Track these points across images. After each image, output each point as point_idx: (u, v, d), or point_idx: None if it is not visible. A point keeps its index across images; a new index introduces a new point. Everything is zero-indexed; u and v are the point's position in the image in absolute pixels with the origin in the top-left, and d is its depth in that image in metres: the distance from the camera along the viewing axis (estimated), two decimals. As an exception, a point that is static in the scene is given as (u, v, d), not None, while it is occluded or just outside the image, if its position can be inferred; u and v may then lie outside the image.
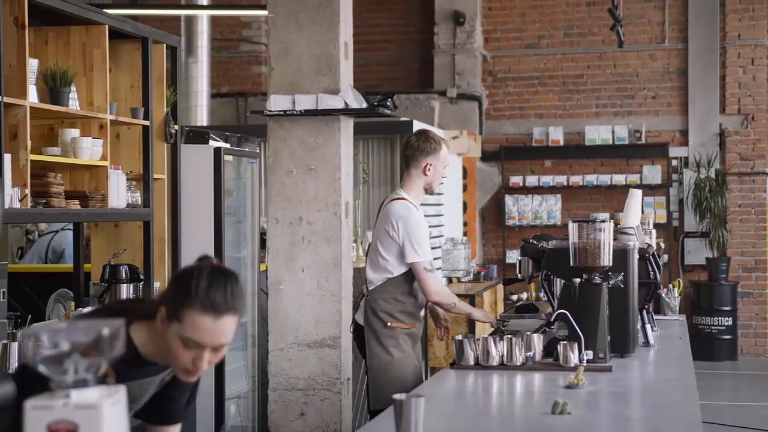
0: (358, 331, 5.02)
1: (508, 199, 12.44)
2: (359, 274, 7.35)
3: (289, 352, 5.49)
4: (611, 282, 4.38)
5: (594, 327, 4.20)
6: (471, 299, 8.91)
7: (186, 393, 2.75)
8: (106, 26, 5.03)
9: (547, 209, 12.36)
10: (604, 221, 4.36)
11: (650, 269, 4.92)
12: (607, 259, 4.29)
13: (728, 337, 11.78)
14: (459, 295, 8.66)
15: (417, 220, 4.85)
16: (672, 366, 4.38)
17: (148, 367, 2.56)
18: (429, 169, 4.91)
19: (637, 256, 4.61)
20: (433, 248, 8.40)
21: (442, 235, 9.94)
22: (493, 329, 5.14)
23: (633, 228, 5.05)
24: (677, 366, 4.34)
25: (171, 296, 2.45)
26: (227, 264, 6.12)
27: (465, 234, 11.59)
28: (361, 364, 7.37)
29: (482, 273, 10.27)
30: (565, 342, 4.11)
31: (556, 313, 4.28)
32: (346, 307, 5.55)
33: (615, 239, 4.99)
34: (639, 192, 5.60)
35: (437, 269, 9.36)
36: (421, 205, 5.20)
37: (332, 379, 5.51)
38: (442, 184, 5.14)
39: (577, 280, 4.29)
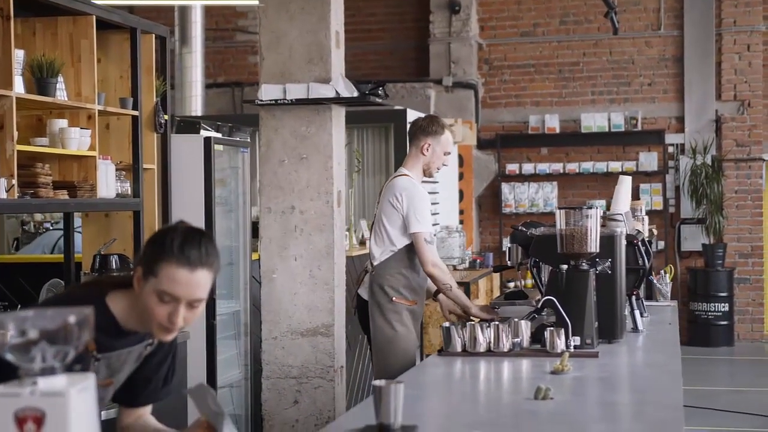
0: (362, 307, 5.13)
1: (505, 187, 12.44)
2: (353, 263, 7.38)
3: (282, 340, 5.50)
4: (598, 268, 4.39)
5: (581, 313, 4.21)
6: (466, 287, 8.91)
7: (161, 374, 2.78)
8: (94, 17, 5.03)
9: (544, 197, 12.37)
10: (590, 208, 4.36)
11: (639, 255, 4.93)
12: (594, 246, 4.30)
13: (725, 322, 11.80)
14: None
15: (420, 193, 4.99)
16: (659, 351, 4.39)
17: (127, 337, 2.59)
18: (427, 149, 5.08)
19: (624, 242, 4.61)
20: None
21: (438, 223, 9.94)
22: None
23: (622, 214, 5.06)
24: (664, 351, 4.35)
25: (147, 255, 2.50)
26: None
27: (461, 222, 11.60)
28: (355, 352, 7.40)
29: (478, 261, 10.28)
30: (551, 328, 4.12)
31: (543, 299, 4.29)
32: (339, 295, 5.56)
33: (604, 226, 5.00)
34: (628, 179, 5.61)
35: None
36: None
37: (325, 367, 5.52)
38: (439, 170, 5.21)
39: (564, 266, 4.30)
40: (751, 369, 10.84)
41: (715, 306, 11.77)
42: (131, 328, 2.57)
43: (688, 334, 11.92)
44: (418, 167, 5.11)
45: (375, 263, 5.06)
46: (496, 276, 10.58)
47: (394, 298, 4.99)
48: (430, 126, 5.10)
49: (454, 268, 9.94)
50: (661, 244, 12.04)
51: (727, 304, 11.79)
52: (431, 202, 9.48)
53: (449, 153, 5.16)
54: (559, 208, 4.38)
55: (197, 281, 2.45)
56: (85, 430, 1.77)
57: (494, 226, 12.60)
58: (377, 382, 2.69)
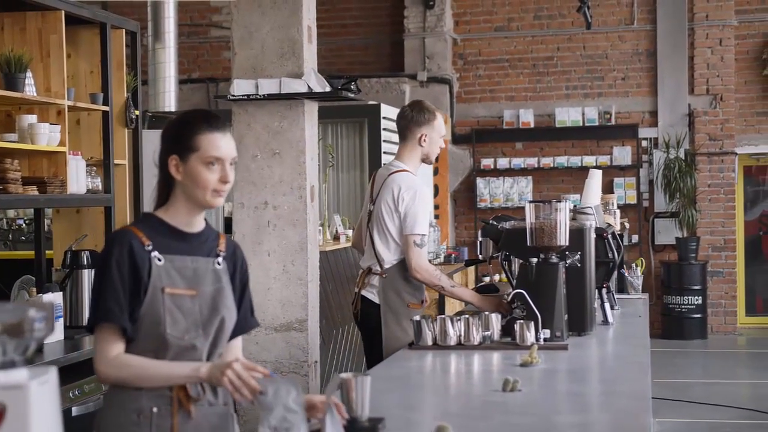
0: (366, 309, 4.87)
1: (480, 182, 12.47)
2: (327, 258, 7.37)
3: (256, 336, 5.51)
4: (568, 261, 4.41)
5: (551, 306, 4.24)
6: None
7: (246, 301, 2.92)
8: (62, 12, 5.01)
9: (519, 191, 12.41)
10: (559, 201, 4.38)
11: (609, 249, 4.95)
12: (563, 239, 4.32)
13: (698, 315, 11.88)
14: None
15: (422, 194, 4.79)
16: (628, 343, 4.42)
17: (185, 241, 2.79)
18: (425, 140, 4.86)
19: (594, 235, 4.64)
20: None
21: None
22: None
23: (591, 208, 5.09)
24: (633, 343, 4.38)
25: (176, 140, 2.75)
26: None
27: (437, 217, 11.62)
28: (329, 347, 7.40)
29: (453, 255, 10.30)
30: (521, 321, 4.14)
31: (513, 292, 4.31)
32: (312, 290, 5.56)
33: (574, 219, 5.03)
34: (599, 172, 5.64)
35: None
36: None
37: (299, 362, 5.53)
38: (438, 154, 5.08)
39: (534, 259, 4.33)
40: (724, 361, 10.91)
41: (688, 299, 11.85)
42: (182, 228, 2.79)
43: (661, 327, 11.99)
44: (415, 159, 4.89)
45: (386, 266, 4.79)
46: (471, 270, 10.61)
47: (409, 304, 4.81)
48: (421, 115, 4.86)
49: (430, 262, 9.95)
50: (635, 238, 12.11)
51: (700, 297, 11.87)
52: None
53: (444, 135, 5.00)
54: (529, 202, 4.41)
55: (230, 142, 2.79)
56: (47, 423, 1.77)
57: (469, 221, 12.63)
58: (344, 375, 2.69)
